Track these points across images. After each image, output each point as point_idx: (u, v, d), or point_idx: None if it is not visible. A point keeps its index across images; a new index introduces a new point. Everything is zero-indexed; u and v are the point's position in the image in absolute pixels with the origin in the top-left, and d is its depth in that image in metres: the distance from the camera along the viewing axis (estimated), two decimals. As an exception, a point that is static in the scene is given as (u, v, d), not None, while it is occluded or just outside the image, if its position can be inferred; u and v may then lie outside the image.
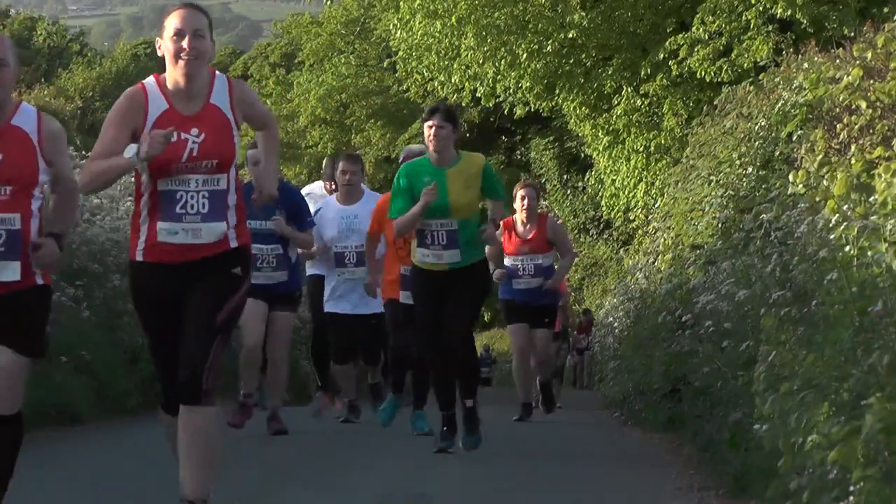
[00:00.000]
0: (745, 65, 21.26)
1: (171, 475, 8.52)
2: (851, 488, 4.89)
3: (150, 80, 5.83)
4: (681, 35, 22.73)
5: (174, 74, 5.74)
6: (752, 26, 21.45)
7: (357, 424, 11.90)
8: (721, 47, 21.99)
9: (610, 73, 24.34)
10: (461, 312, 9.25)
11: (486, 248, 11.78)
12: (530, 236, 12.94)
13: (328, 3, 37.96)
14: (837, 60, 10.36)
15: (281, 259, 10.47)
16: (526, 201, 12.88)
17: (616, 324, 18.40)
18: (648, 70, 23.44)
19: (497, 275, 12.69)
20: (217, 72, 5.88)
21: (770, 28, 21.39)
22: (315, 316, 12.28)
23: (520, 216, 13.03)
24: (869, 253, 5.90)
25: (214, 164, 5.70)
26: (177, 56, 5.69)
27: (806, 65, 11.99)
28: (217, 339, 5.69)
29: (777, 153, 11.48)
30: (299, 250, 10.80)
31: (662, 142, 23.85)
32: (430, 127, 9.20)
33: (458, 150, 9.41)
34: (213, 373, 5.68)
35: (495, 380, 36.32)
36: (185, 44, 5.67)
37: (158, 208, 5.73)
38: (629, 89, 24.17)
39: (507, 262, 13.05)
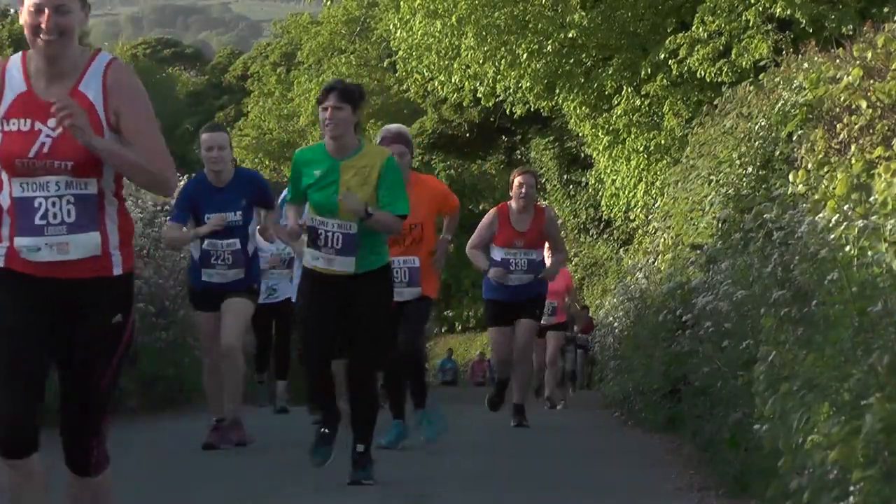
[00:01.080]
0: (745, 64, 21.26)
1: (170, 475, 8.52)
2: (851, 488, 4.89)
3: (15, 57, 4.82)
4: (680, 35, 22.73)
5: (34, 53, 4.76)
6: (751, 24, 21.45)
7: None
8: (721, 47, 22.00)
9: (610, 73, 24.34)
10: (367, 345, 7.87)
11: (468, 250, 12.08)
12: (526, 228, 11.89)
13: (328, 2, 37.95)
14: (837, 60, 10.35)
15: (237, 255, 9.86)
16: (524, 189, 11.81)
17: (616, 324, 18.37)
18: (648, 70, 23.45)
19: (494, 274, 11.84)
20: (103, 52, 4.86)
21: (769, 27, 21.40)
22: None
23: (516, 204, 11.90)
24: (869, 253, 5.90)
25: (69, 165, 4.63)
26: (34, 33, 4.68)
27: (806, 65, 11.98)
28: (105, 409, 4.98)
29: (777, 153, 11.47)
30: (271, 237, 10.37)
31: (662, 142, 23.85)
32: (325, 109, 7.83)
33: (361, 139, 8.07)
34: (101, 446, 5.06)
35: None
36: (43, 20, 4.65)
37: (15, 219, 4.68)
38: (629, 89, 24.17)
39: (496, 254, 11.93)
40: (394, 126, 10.04)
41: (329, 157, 7.91)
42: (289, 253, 12.84)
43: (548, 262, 12.56)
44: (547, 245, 12.40)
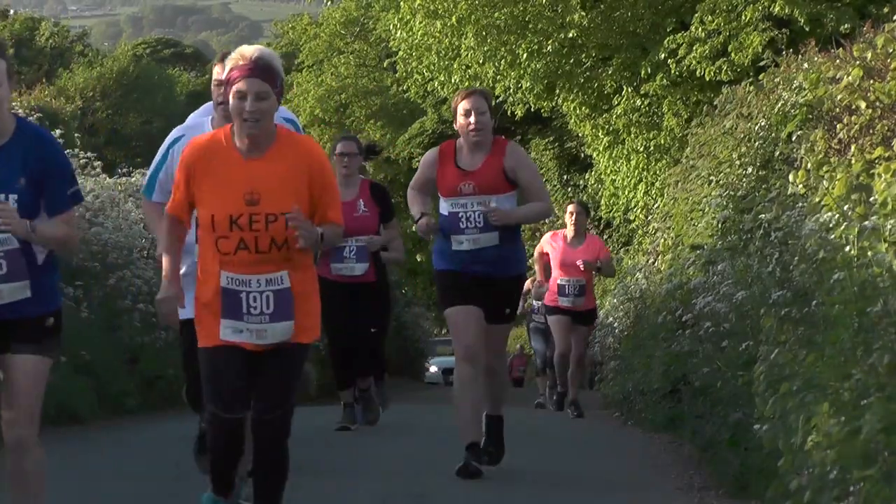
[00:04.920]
0: (744, 62, 21.26)
1: (170, 475, 8.53)
2: (851, 488, 4.89)
3: None
4: (680, 34, 22.74)
5: None
6: (749, 20, 21.45)
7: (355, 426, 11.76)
8: (719, 46, 22.00)
9: (610, 73, 24.34)
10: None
11: (408, 191, 8.62)
12: (477, 167, 8.23)
13: (328, 3, 37.96)
14: (837, 60, 10.35)
15: (14, 261, 5.37)
16: (473, 117, 8.18)
17: (616, 324, 18.39)
18: (648, 70, 23.45)
19: (421, 225, 8.33)
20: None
21: (767, 25, 21.40)
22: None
23: (464, 139, 8.30)
24: (869, 253, 5.90)
25: None
26: None
27: (806, 65, 11.99)
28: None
29: (777, 153, 11.48)
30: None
31: (662, 142, 23.86)
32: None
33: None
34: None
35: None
36: None
37: None
38: (629, 89, 24.18)
39: (443, 206, 8.36)
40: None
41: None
42: None
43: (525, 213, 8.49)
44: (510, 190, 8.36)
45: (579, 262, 13.91)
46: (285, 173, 5.68)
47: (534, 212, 8.38)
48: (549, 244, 14.28)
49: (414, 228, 8.75)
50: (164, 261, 5.91)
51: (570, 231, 14.14)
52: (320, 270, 10.60)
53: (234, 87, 5.63)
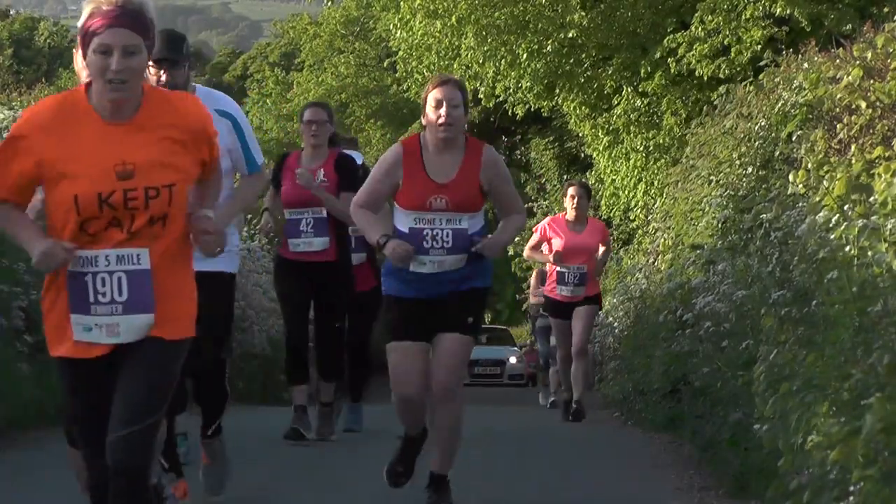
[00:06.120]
0: (744, 60, 21.27)
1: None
2: (851, 488, 4.89)
3: None
4: (680, 34, 22.74)
5: None
6: (748, 18, 21.46)
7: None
8: (719, 45, 22.00)
9: (610, 72, 24.35)
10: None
11: (352, 209, 7.31)
12: (451, 178, 6.99)
13: (328, 3, 37.97)
14: (837, 60, 10.35)
15: None
16: (444, 110, 6.97)
17: (616, 324, 18.40)
18: (647, 69, 23.46)
19: (398, 254, 6.89)
20: None
21: (767, 23, 21.40)
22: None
23: (431, 137, 7.05)
24: (869, 253, 5.90)
25: None
26: None
27: (806, 65, 11.99)
28: None
29: (777, 153, 11.48)
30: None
31: (661, 141, 23.86)
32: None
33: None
34: None
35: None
36: None
37: None
38: (629, 89, 24.18)
39: (400, 222, 7.04)
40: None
41: None
42: None
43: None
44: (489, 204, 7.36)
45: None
46: (160, 139, 4.60)
47: (517, 227, 7.18)
48: (552, 232, 13.07)
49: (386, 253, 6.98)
50: (24, 239, 4.64)
51: (571, 215, 13.04)
52: (282, 249, 10.14)
53: (97, 40, 4.50)
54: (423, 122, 7.07)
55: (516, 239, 11.57)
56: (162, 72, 6.71)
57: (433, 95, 6.99)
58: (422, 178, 6.95)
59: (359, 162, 10.50)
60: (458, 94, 7.03)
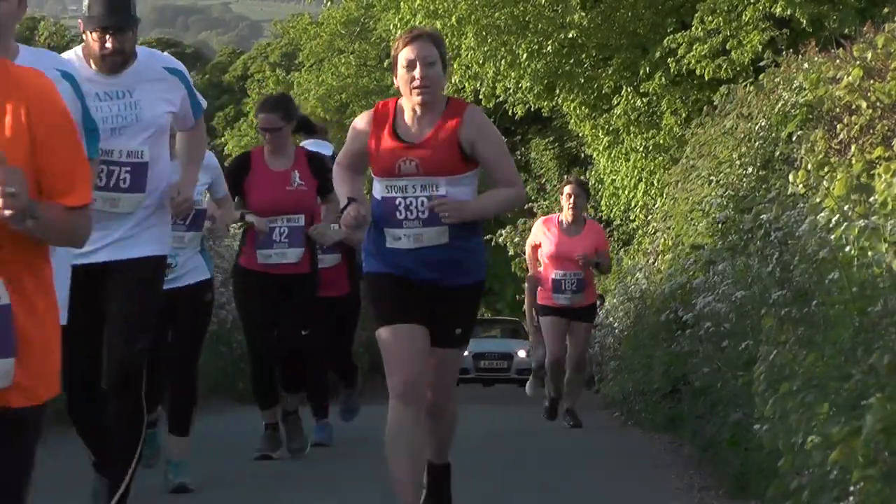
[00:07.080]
0: (744, 60, 21.28)
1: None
2: (851, 488, 4.89)
3: None
4: (680, 34, 22.74)
5: None
6: (749, 20, 21.47)
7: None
8: (719, 46, 22.01)
9: (610, 72, 24.35)
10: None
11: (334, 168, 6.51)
12: (424, 137, 6.11)
13: (328, 3, 37.99)
14: (837, 60, 10.35)
15: None
16: (419, 71, 5.99)
17: (616, 324, 18.39)
18: (647, 69, 23.47)
19: (346, 217, 6.07)
20: None
21: (767, 24, 21.41)
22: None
23: (409, 101, 6.14)
24: (869, 253, 5.90)
25: None
26: None
27: (806, 65, 11.99)
28: None
29: (777, 153, 11.48)
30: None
31: (661, 141, 23.87)
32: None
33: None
34: None
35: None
36: None
37: None
38: (629, 89, 24.19)
39: (376, 188, 6.23)
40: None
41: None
42: None
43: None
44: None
45: (578, 257, 12.04)
46: None
47: (498, 200, 6.20)
48: (543, 233, 12.30)
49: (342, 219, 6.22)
50: None
51: (566, 216, 12.26)
52: (245, 259, 9.19)
53: None
54: (395, 84, 6.16)
55: (516, 239, 11.32)
56: (108, 38, 6.19)
57: (404, 55, 6.06)
58: (389, 140, 6.09)
59: (328, 154, 9.98)
60: (434, 51, 6.07)
